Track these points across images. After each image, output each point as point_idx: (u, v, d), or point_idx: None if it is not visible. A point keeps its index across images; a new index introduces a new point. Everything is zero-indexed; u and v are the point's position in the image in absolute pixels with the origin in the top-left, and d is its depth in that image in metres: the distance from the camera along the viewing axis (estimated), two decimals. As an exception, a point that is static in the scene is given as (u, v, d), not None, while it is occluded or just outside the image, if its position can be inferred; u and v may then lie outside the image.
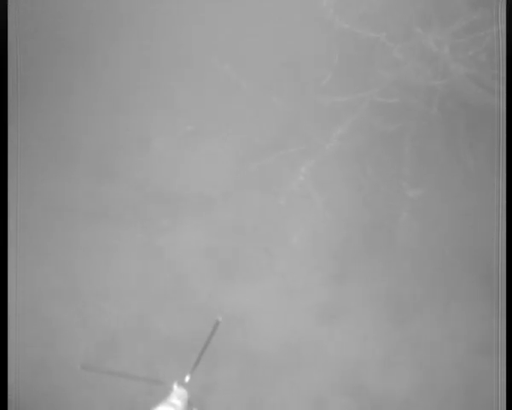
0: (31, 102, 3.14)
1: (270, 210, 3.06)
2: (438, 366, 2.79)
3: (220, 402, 2.75)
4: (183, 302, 2.88)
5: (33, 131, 3.11)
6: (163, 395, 1.95)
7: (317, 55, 3.29)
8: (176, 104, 3.23)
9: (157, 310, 2.86)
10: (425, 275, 2.97)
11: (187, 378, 2.07)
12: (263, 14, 3.34)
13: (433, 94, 3.18)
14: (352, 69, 3.27)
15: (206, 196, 3.07)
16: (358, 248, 3.01)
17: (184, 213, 3.04)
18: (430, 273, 2.97)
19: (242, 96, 3.20)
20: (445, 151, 3.15)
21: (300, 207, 3.07)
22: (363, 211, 3.08)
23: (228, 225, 3.04)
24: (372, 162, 3.14)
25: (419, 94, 3.20)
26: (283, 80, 3.27)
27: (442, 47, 3.22)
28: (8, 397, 2.46)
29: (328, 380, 2.77)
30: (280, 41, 3.32)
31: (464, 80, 3.18)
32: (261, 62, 3.29)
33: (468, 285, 2.94)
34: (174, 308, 2.86)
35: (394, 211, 3.05)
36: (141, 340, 2.81)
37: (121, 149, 3.15)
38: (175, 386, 1.99)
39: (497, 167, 3.01)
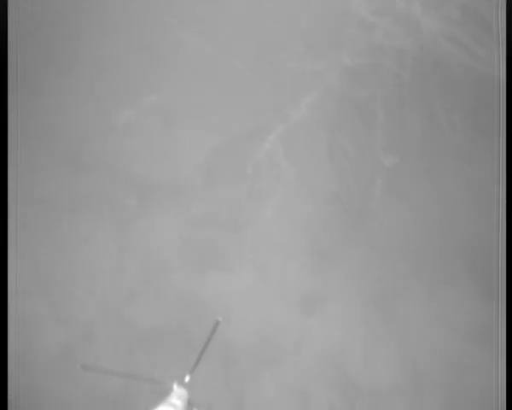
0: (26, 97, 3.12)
1: (243, 187, 3.00)
2: (424, 354, 2.74)
3: (200, 396, 2.71)
4: (159, 292, 2.85)
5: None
6: (163, 395, 1.94)
7: (284, 19, 3.20)
8: (152, 93, 3.17)
9: (133, 300, 2.83)
10: (406, 255, 2.89)
11: (187, 378, 2.07)
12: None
13: (405, 55, 3.10)
14: (321, 33, 3.18)
15: (181, 184, 3.02)
16: (335, 226, 2.94)
17: (159, 202, 2.99)
18: (412, 253, 2.89)
19: (209, 64, 3.14)
20: (419, 115, 3.06)
21: (272, 179, 3.00)
22: (338, 182, 3.00)
23: (203, 214, 2.98)
24: (344, 130, 3.05)
25: (391, 55, 3.12)
26: (249, 48, 3.19)
27: (413, 4, 3.14)
28: (8, 397, 2.46)
29: (311, 370, 2.73)
30: (246, 7, 3.23)
31: (437, 39, 3.11)
32: (227, 30, 3.21)
33: (455, 267, 2.87)
34: (149, 298, 2.83)
35: (370, 182, 2.97)
36: (118, 330, 2.78)
37: (95, 139, 3.10)
38: (175, 386, 1.99)
39: (474, 130, 2.95)
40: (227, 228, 2.94)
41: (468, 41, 3.06)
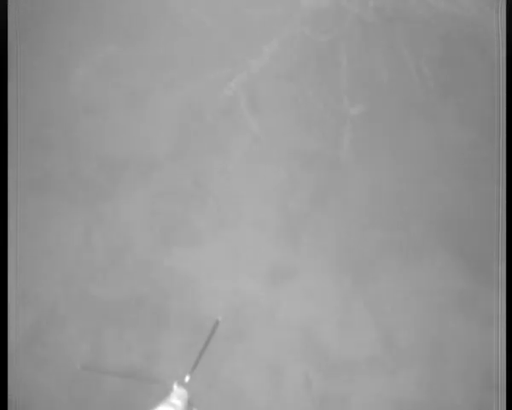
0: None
1: (206, 147, 2.91)
2: (400, 325, 2.69)
3: (167, 373, 2.66)
4: (126, 268, 2.81)
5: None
6: (163, 395, 1.94)
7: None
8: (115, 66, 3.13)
9: (101, 278, 2.79)
10: (381, 218, 2.80)
11: (187, 378, 2.07)
12: None
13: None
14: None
15: (148, 158, 2.95)
16: (304, 186, 2.84)
17: (126, 177, 2.94)
18: (387, 215, 2.80)
19: (163, 14, 3.07)
20: (385, 62, 2.96)
21: (235, 134, 2.92)
22: (303, 134, 2.90)
23: (171, 186, 2.92)
24: (308, 80, 2.95)
25: None
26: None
27: None
28: (8, 397, 2.46)
29: (284, 343, 2.68)
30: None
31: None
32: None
33: (432, 231, 2.79)
34: (117, 274, 2.79)
35: (337, 132, 2.86)
36: (85, 308, 2.75)
37: (59, 115, 3.05)
38: (175, 386, 1.99)
39: (444, 75, 2.87)
40: (192, 197, 2.89)
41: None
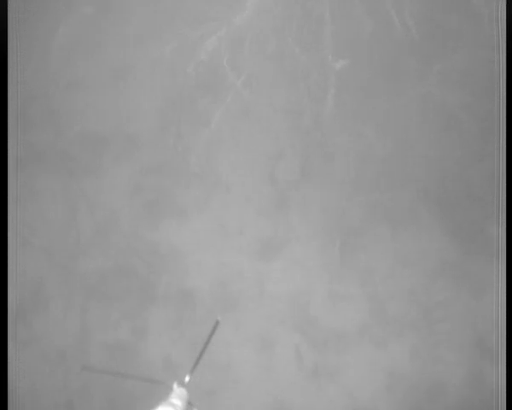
0: None
1: (188, 114, 2.85)
2: (390, 295, 2.67)
3: (156, 348, 2.67)
4: (114, 244, 2.79)
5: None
6: (163, 395, 1.94)
7: None
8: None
9: (87, 253, 2.77)
10: (367, 187, 2.74)
11: (187, 378, 2.07)
12: None
13: None
14: None
15: (131, 131, 2.89)
16: (287, 147, 2.78)
17: (110, 151, 2.88)
18: (372, 183, 2.74)
19: None
20: (369, 15, 2.86)
21: (219, 90, 2.85)
22: (288, 91, 2.82)
23: (155, 159, 2.87)
24: (292, 35, 2.86)
25: None
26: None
27: None
28: (9, 397, 2.46)
29: (275, 317, 2.67)
30: None
31: None
32: None
33: (420, 196, 2.73)
34: (104, 251, 2.77)
35: (321, 89, 2.80)
36: (71, 284, 2.74)
37: (45, 93, 2.98)
38: (175, 386, 1.99)
39: (429, 29, 2.78)
40: (177, 169, 2.84)
41: None
